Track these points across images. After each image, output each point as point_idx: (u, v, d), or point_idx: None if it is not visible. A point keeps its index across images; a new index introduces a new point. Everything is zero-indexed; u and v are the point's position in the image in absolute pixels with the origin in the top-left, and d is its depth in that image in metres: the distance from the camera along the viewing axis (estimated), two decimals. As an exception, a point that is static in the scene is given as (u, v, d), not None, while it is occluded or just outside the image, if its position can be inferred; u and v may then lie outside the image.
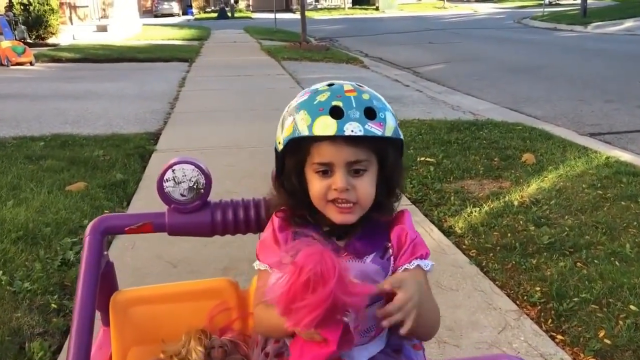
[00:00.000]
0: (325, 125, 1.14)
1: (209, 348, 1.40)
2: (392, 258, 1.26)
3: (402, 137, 1.24)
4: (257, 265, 1.30)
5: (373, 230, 1.25)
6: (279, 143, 1.23)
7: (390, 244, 1.26)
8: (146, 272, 3.19)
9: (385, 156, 1.23)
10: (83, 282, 1.35)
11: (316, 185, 1.20)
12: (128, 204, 4.18)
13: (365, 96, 1.19)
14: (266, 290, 1.06)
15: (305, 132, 1.16)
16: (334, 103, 1.15)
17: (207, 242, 3.39)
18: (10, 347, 2.48)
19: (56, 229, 3.57)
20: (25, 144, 5.75)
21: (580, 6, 24.68)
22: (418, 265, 1.23)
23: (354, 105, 1.15)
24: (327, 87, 1.20)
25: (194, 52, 15.60)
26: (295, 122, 1.17)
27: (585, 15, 23.64)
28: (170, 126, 6.78)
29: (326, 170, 1.19)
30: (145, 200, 4.20)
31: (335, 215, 1.21)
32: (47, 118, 7.18)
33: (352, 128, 1.13)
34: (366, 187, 1.20)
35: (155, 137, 6.23)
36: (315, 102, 1.17)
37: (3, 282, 2.92)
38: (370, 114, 1.16)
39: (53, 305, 2.78)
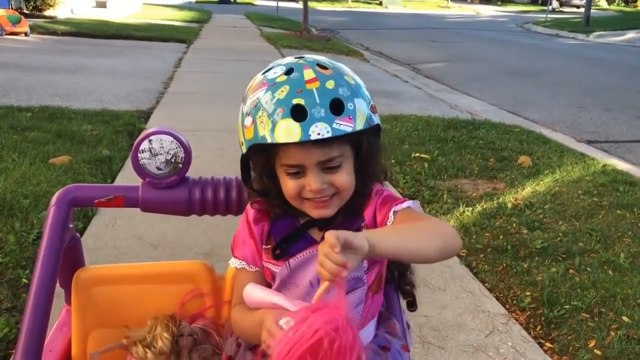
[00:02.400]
0: (288, 131, 1.01)
1: (177, 335, 1.29)
2: None
3: (378, 121, 1.11)
4: (232, 262, 1.21)
5: (351, 215, 1.16)
6: (242, 144, 1.10)
7: (363, 224, 1.17)
8: (124, 252, 3.08)
9: (360, 147, 1.12)
10: (43, 256, 1.24)
11: (289, 185, 1.10)
12: (112, 181, 4.05)
13: (330, 84, 1.04)
14: (270, 333, 0.95)
15: (267, 139, 1.03)
16: (295, 101, 1.01)
17: (190, 225, 3.29)
18: None
19: (34, 202, 3.44)
20: (12, 114, 5.59)
21: (584, 14, 24.65)
22: (394, 211, 1.13)
23: (318, 101, 1.02)
24: (285, 77, 1.05)
25: (193, 34, 15.38)
26: (255, 125, 1.05)
27: (588, 24, 23.60)
28: (163, 105, 6.64)
29: (297, 172, 1.08)
30: (130, 179, 4.07)
31: (312, 211, 1.12)
32: (37, 89, 7.01)
33: (319, 130, 1.01)
34: (343, 179, 1.10)
35: (146, 115, 6.09)
36: (274, 101, 1.03)
37: (-27, 253, 2.80)
38: (337, 108, 1.03)
39: (24, 280, 2.65)
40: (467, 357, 2.33)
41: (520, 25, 27.65)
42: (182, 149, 1.34)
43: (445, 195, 4.11)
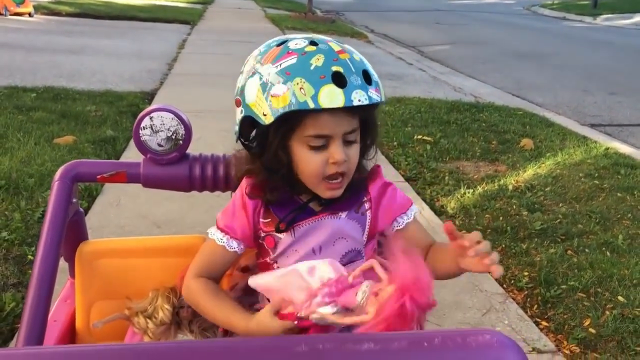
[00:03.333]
0: (332, 96, 1.02)
1: (177, 307, 1.33)
2: (369, 211, 1.22)
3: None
4: (213, 234, 1.21)
5: (349, 189, 1.18)
6: (264, 115, 1.07)
7: (367, 198, 1.22)
8: (129, 231, 3.12)
9: (371, 121, 1.16)
10: (47, 230, 1.27)
11: (312, 162, 1.10)
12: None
13: (357, 57, 1.10)
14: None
15: (309, 105, 1.02)
16: (334, 68, 1.04)
17: (194, 204, 3.33)
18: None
19: (39, 181, 3.48)
20: (17, 94, 5.62)
21: (591, -3, 24.37)
22: (407, 223, 1.26)
23: (353, 70, 1.06)
24: (314, 47, 1.07)
25: (197, 15, 15.31)
26: (292, 91, 1.03)
27: (595, 7, 23.32)
28: (166, 87, 6.65)
29: (322, 145, 1.09)
30: (134, 159, 4.10)
31: (326, 192, 1.14)
32: (41, 70, 7.02)
33: (359, 97, 1.04)
34: (355, 156, 1.14)
35: (150, 96, 6.11)
36: (312, 68, 1.04)
37: (-20, 231, 2.85)
38: (368, 78, 1.07)
39: (30, 256, 2.70)
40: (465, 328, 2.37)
41: (526, 7, 27.36)
42: (182, 126, 1.36)
43: (446, 177, 4.13)
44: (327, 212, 1.18)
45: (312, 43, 1.08)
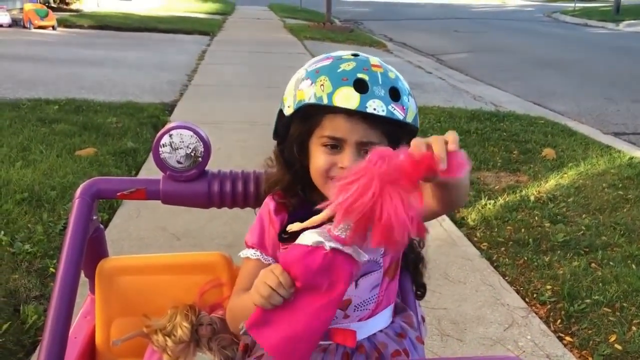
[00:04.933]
0: (348, 97, 1.04)
1: (196, 325, 1.33)
2: None
3: (419, 126, 1.15)
4: (246, 253, 1.21)
5: None
6: (288, 106, 1.13)
7: None
8: (149, 243, 3.14)
9: (398, 143, 1.13)
10: (68, 247, 1.28)
11: (320, 160, 1.11)
12: (137, 173, 4.12)
13: (392, 75, 1.10)
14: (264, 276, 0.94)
15: (324, 100, 1.06)
16: (360, 75, 1.05)
17: (213, 216, 3.34)
18: (5, 309, 2.44)
19: (61, 193, 3.52)
20: (40, 106, 5.71)
21: (614, 3, 24.06)
22: None
23: (380, 82, 1.06)
24: (352, 57, 1.10)
25: (217, 26, 15.46)
26: (314, 86, 1.07)
27: (618, 12, 23.04)
28: (187, 98, 6.71)
29: (335, 145, 1.10)
30: (154, 171, 4.09)
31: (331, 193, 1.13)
32: (63, 82, 7.14)
33: (375, 106, 1.04)
34: None
35: (170, 107, 6.16)
36: (339, 70, 1.07)
37: (3, 243, 2.89)
38: (395, 94, 1.07)
39: (52, 269, 2.73)
40: (486, 350, 2.33)
41: (547, 14, 27.15)
42: (201, 143, 1.36)
43: (466, 188, 4.09)
44: None
45: (354, 54, 1.12)
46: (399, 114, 1.06)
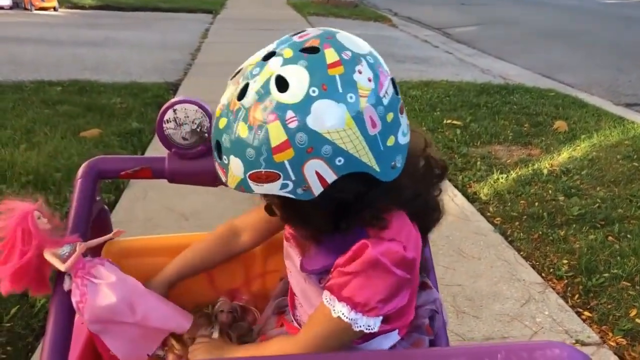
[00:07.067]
0: None
1: (217, 311, 1.27)
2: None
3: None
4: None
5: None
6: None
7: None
8: (156, 224, 3.09)
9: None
10: (71, 230, 1.22)
11: None
12: (143, 153, 4.07)
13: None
14: None
15: None
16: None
17: (222, 196, 3.28)
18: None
19: (67, 175, 3.47)
20: (43, 88, 5.64)
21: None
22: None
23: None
24: None
25: (219, 4, 15.27)
26: None
27: (626, -18, 22.59)
28: (191, 77, 6.62)
29: None
30: (160, 151, 4.05)
31: None
32: (66, 63, 7.05)
33: None
34: None
35: (174, 87, 6.08)
36: None
37: (9, 226, 2.84)
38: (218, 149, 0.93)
39: (59, 252, 2.69)
40: (503, 327, 2.28)
41: (554, -15, 26.66)
42: (207, 118, 1.29)
43: (478, 162, 4.01)
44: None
45: None
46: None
